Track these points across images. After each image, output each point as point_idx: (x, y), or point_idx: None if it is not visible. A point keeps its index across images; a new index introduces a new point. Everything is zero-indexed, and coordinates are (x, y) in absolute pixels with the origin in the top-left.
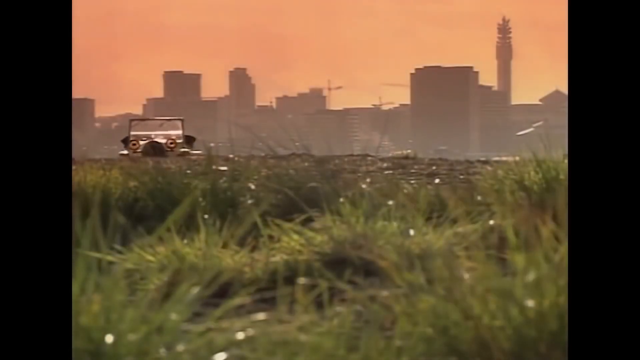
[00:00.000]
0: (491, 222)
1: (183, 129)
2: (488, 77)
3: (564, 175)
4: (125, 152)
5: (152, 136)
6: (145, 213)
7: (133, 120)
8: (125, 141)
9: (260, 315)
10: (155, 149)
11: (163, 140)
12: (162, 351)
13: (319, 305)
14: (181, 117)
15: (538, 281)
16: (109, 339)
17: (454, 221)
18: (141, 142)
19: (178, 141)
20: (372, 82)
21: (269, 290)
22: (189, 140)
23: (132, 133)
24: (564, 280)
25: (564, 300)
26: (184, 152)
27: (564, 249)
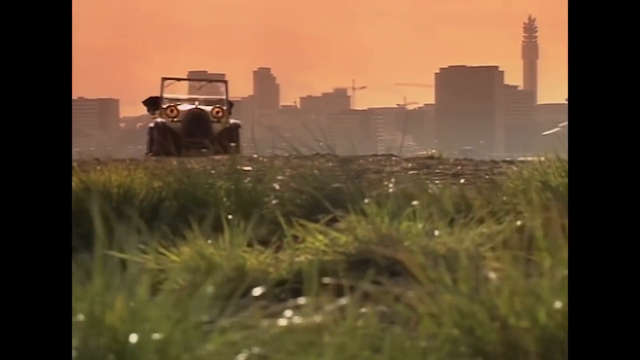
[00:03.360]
0: (517, 222)
1: (227, 94)
2: (514, 77)
3: None
4: (160, 119)
5: (196, 102)
6: (169, 213)
7: (167, 79)
8: (152, 104)
9: (285, 316)
10: (199, 119)
11: (208, 108)
12: (186, 350)
13: (344, 305)
14: (224, 79)
15: (564, 282)
16: (134, 338)
17: (480, 221)
18: (180, 109)
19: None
20: (396, 82)
21: (294, 290)
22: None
23: (166, 96)
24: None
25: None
26: (235, 124)
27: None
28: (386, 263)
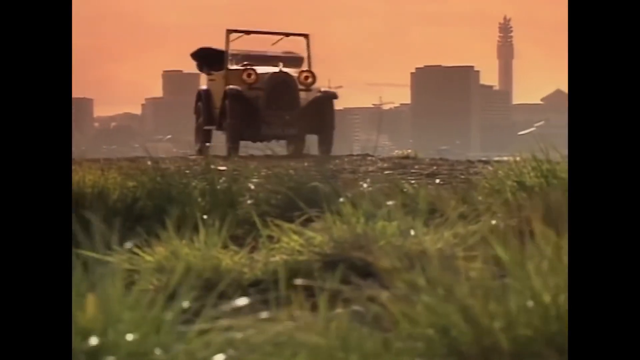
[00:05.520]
0: (492, 222)
1: (309, 52)
2: (489, 77)
3: (564, 175)
4: (232, 86)
5: (280, 63)
6: (144, 213)
7: (232, 32)
8: (206, 58)
9: (259, 316)
10: (285, 86)
11: (294, 73)
12: (160, 352)
13: (318, 306)
14: (306, 32)
15: (536, 281)
16: (107, 339)
17: (455, 221)
18: (259, 72)
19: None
20: (372, 81)
21: (269, 291)
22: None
23: (232, 52)
24: (562, 280)
25: (563, 300)
26: (327, 94)
27: (562, 248)
28: (361, 263)
